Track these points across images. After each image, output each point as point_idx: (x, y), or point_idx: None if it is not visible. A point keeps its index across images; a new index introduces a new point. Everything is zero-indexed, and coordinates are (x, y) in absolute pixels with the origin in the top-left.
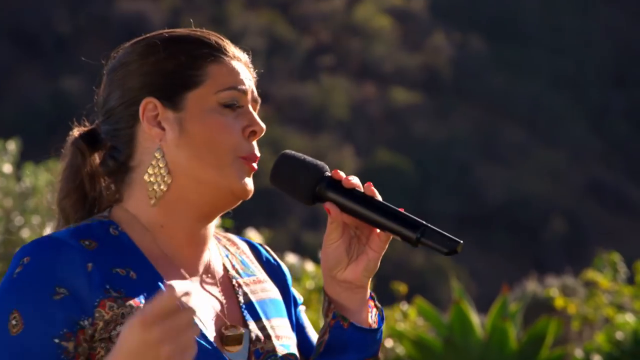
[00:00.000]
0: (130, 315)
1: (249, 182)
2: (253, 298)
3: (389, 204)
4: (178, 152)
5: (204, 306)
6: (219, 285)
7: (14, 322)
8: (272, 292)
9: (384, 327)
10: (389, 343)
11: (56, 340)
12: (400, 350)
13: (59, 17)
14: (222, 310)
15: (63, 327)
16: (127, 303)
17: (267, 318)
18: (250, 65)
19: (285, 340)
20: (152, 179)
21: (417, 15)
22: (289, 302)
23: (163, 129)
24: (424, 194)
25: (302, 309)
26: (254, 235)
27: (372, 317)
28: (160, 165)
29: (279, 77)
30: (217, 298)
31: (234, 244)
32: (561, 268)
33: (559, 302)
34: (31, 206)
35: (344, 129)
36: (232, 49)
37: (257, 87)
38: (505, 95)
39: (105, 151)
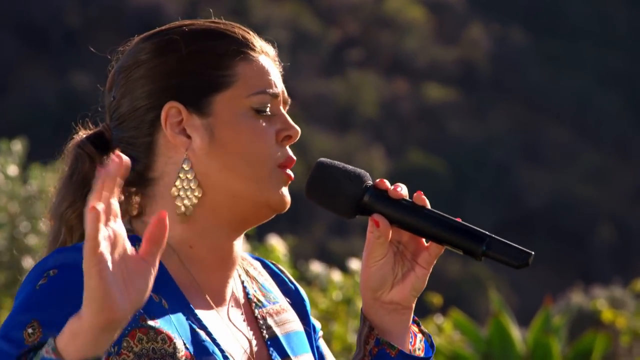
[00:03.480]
0: (162, 351)
1: (287, 194)
2: (278, 332)
3: (444, 214)
4: (208, 162)
5: (232, 341)
6: (243, 315)
7: (30, 330)
8: (295, 322)
9: None
10: None
11: None
12: None
13: (68, 9)
14: (248, 346)
15: None
16: (160, 336)
17: (294, 355)
18: (277, 59)
19: None
20: (180, 194)
21: (452, 6)
22: (310, 331)
23: (189, 136)
24: (460, 198)
25: (320, 335)
26: (277, 243)
27: (417, 344)
28: (189, 178)
29: (304, 72)
30: (242, 332)
31: (251, 265)
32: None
33: (607, 315)
34: (38, 211)
35: (373, 128)
36: (259, 42)
37: (283, 83)
38: (548, 91)
39: None
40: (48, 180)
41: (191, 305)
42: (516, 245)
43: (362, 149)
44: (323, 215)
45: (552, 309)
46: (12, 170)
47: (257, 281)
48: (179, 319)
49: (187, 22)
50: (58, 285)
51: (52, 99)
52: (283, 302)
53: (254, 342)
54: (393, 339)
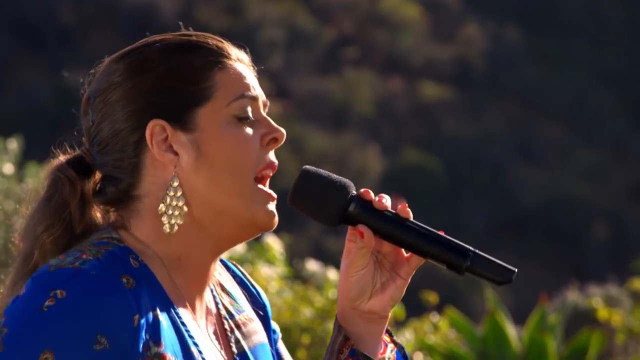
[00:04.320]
0: None
1: (274, 211)
2: (246, 345)
3: (428, 227)
4: (196, 178)
5: (211, 354)
6: (214, 326)
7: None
8: (260, 334)
9: (413, 340)
10: (418, 357)
11: None
12: None
13: (63, 7)
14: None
15: None
16: (165, 357)
17: None
18: (252, 65)
19: None
20: (168, 211)
21: (447, 4)
22: (270, 336)
23: (175, 153)
24: (455, 197)
25: (279, 337)
26: (273, 241)
27: (387, 353)
28: (178, 195)
29: (300, 71)
30: (215, 346)
31: (216, 269)
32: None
33: (603, 313)
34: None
35: (368, 127)
36: (233, 50)
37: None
38: (543, 90)
39: (99, 180)
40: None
41: (183, 320)
42: (500, 262)
43: (358, 148)
44: None
45: (548, 307)
46: (8, 168)
47: (225, 289)
48: (174, 338)
49: (158, 37)
50: (70, 310)
51: (48, 97)
52: (249, 310)
53: (224, 355)
54: (367, 348)
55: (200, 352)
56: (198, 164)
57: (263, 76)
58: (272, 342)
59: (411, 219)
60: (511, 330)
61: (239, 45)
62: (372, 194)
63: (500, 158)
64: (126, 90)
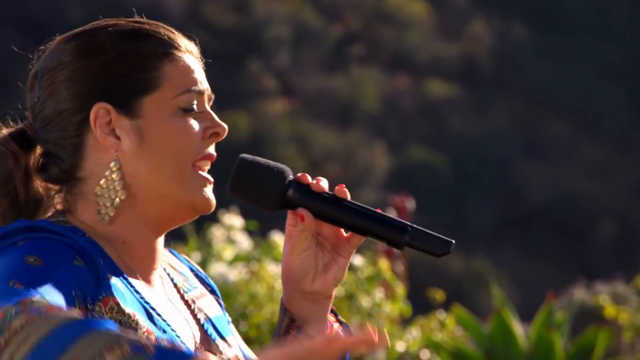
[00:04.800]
0: (127, 324)
1: (210, 196)
2: (209, 313)
3: (366, 206)
4: (137, 163)
5: (178, 324)
6: (176, 300)
7: (32, 259)
8: (215, 307)
9: (419, 337)
10: (425, 354)
11: (73, 293)
12: None
13: (70, 4)
14: (188, 327)
15: (79, 289)
16: (127, 311)
17: (226, 335)
18: (199, 56)
19: (250, 354)
20: (104, 194)
21: (454, 1)
22: (224, 315)
23: (118, 137)
24: (461, 194)
25: (230, 320)
26: (280, 239)
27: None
28: (115, 178)
29: (306, 68)
30: (181, 313)
31: (164, 253)
32: (611, 274)
33: (610, 311)
34: None
35: (375, 124)
36: (183, 41)
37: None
38: (549, 87)
39: (41, 156)
40: None
41: (138, 291)
42: (438, 235)
43: (364, 145)
44: None
45: (555, 305)
46: None
47: (174, 269)
48: (132, 298)
49: (111, 21)
50: (43, 242)
51: None
52: (201, 288)
53: (191, 323)
54: (313, 328)
55: (159, 314)
56: (140, 149)
57: (270, 73)
58: (227, 323)
59: (349, 199)
60: (518, 328)
61: (190, 38)
62: (309, 178)
63: (506, 155)
64: (74, 71)
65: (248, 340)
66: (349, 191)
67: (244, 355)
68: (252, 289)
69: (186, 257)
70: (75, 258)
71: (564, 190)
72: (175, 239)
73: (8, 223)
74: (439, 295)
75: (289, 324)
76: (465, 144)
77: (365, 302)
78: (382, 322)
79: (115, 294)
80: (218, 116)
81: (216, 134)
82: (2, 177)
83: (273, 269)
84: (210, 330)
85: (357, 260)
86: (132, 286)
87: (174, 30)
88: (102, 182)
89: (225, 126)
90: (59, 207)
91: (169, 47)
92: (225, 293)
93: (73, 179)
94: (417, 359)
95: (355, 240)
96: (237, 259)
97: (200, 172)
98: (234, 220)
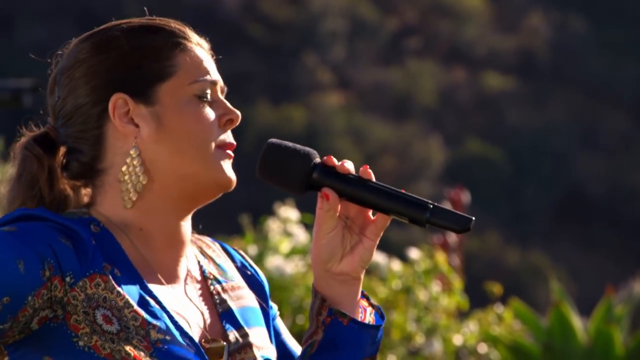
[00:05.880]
0: (112, 302)
1: (231, 172)
2: (233, 305)
3: (389, 186)
4: (157, 148)
5: (185, 314)
6: (200, 290)
7: (7, 228)
8: (250, 299)
9: (477, 331)
10: (482, 348)
11: (41, 257)
12: (495, 355)
13: (128, 0)
14: (202, 319)
15: (53, 259)
16: (116, 290)
17: (248, 326)
18: (211, 52)
19: (265, 351)
20: (126, 179)
21: None
22: (267, 311)
23: (137, 125)
24: (518, 187)
25: (277, 314)
26: None
27: (368, 317)
28: (135, 164)
29: (362, 61)
30: (196, 306)
31: (209, 246)
32: None
33: None
34: None
35: (431, 117)
36: (194, 35)
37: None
38: (608, 79)
39: (64, 155)
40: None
41: (143, 279)
42: (458, 212)
43: (420, 138)
44: None
45: (614, 299)
46: None
47: (213, 260)
48: (129, 285)
49: (124, 21)
50: (29, 226)
51: None
52: (239, 280)
53: (207, 315)
54: (343, 308)
55: (159, 302)
56: (158, 135)
57: (325, 66)
58: (270, 318)
59: (373, 179)
60: (577, 322)
61: (201, 34)
62: (334, 160)
63: (564, 148)
64: (91, 66)
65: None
66: (405, 184)
67: (281, 343)
68: (309, 282)
69: (241, 253)
70: (63, 237)
71: (622, 182)
72: (232, 233)
73: None
74: (496, 288)
75: (320, 304)
76: (522, 137)
77: (422, 295)
78: (439, 315)
79: (108, 274)
80: (275, 110)
81: (230, 120)
82: (27, 180)
83: None
84: (226, 322)
85: (414, 253)
86: (135, 274)
87: (184, 25)
88: (123, 168)
89: (239, 113)
90: (85, 201)
91: (180, 38)
92: (281, 286)
93: (95, 171)
94: (474, 352)
95: (381, 222)
96: (293, 252)
97: (222, 150)
98: (290, 213)
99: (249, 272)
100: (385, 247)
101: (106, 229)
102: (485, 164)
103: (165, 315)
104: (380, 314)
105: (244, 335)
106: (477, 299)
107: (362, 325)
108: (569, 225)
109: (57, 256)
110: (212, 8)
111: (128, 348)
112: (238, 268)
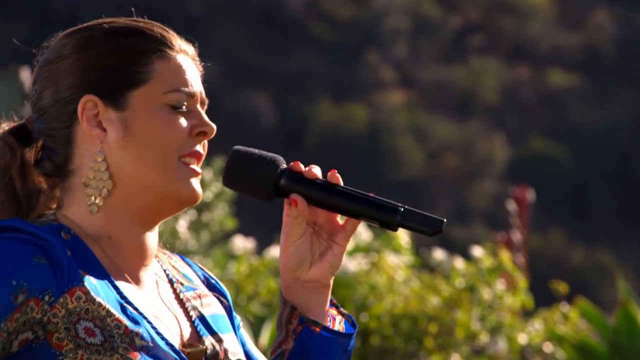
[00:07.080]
0: (95, 313)
1: (197, 187)
2: (204, 312)
3: (358, 190)
4: (122, 154)
5: (165, 321)
6: (170, 298)
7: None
8: (218, 307)
9: (542, 330)
10: (548, 347)
11: (13, 282)
12: (561, 355)
13: None
14: (176, 323)
15: (27, 281)
16: (97, 300)
17: (221, 333)
18: (197, 59)
19: (239, 357)
20: (92, 184)
21: None
22: (232, 319)
23: (104, 129)
24: (582, 186)
25: (241, 325)
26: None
27: (337, 326)
28: (101, 170)
29: (425, 59)
30: (172, 312)
31: (170, 257)
32: None
33: None
34: None
35: (494, 115)
36: (178, 41)
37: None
38: None
39: (38, 149)
40: None
41: (117, 284)
42: (429, 214)
43: (483, 136)
44: (444, 201)
45: None
46: None
47: (177, 270)
48: (107, 293)
49: (109, 20)
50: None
51: None
52: (204, 289)
53: (182, 321)
54: (312, 316)
55: (136, 308)
56: (125, 141)
57: (388, 64)
58: (236, 328)
59: (341, 184)
60: None
61: (188, 40)
62: (301, 166)
63: (629, 146)
64: (70, 63)
65: (369, 332)
66: (469, 181)
67: (246, 353)
68: (372, 280)
69: (200, 266)
70: (36, 256)
71: None
72: None
73: (7, 215)
74: (561, 287)
75: (290, 313)
76: (586, 134)
77: (486, 294)
78: (504, 314)
79: (86, 285)
80: (337, 108)
81: (203, 132)
82: (0, 169)
83: (393, 260)
84: (200, 327)
85: (477, 251)
86: (110, 281)
87: (169, 30)
88: (89, 172)
89: (214, 126)
90: (53, 205)
91: (160, 45)
92: (344, 284)
93: (65, 171)
94: (539, 351)
95: (350, 227)
96: (356, 250)
97: (186, 164)
98: None
99: (212, 282)
100: (448, 244)
101: (77, 236)
102: (549, 162)
103: (144, 321)
104: (351, 323)
105: (219, 340)
106: (542, 297)
107: (335, 333)
108: (634, 224)
109: (32, 277)
110: (275, 7)
111: (115, 357)
112: (200, 278)
